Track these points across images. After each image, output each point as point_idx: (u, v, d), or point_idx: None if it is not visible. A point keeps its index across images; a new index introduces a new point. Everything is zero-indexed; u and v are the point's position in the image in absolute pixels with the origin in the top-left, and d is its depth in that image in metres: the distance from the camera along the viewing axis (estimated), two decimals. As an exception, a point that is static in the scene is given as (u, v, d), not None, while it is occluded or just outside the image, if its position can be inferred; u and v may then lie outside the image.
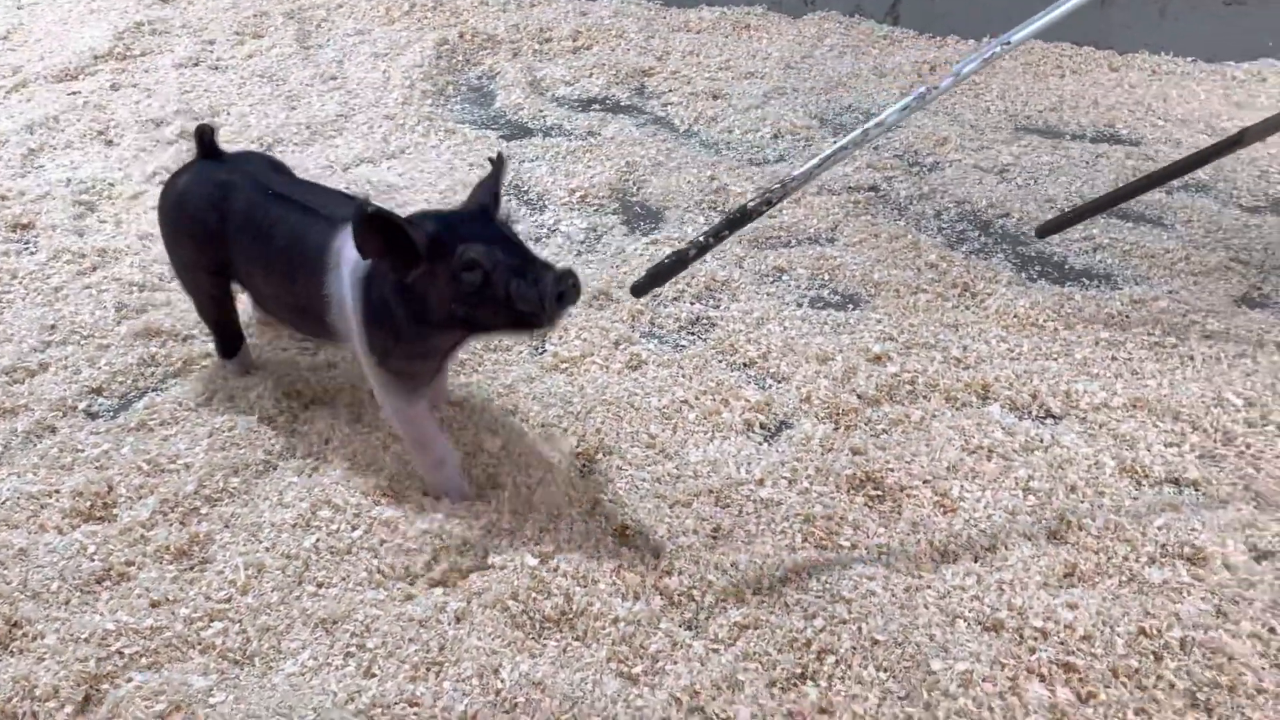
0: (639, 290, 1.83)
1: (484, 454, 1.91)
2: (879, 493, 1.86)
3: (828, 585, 1.64)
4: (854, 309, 2.41)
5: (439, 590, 1.63)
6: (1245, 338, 2.23)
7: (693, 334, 2.32)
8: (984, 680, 1.46)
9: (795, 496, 1.84)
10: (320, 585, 1.64)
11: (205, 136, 1.95)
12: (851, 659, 1.51)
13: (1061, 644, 1.53)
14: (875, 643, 1.53)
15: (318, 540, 1.70)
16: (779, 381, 2.16)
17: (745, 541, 1.74)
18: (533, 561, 1.65)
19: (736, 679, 1.48)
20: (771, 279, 2.53)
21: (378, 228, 1.52)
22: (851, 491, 1.86)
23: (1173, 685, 1.47)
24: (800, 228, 2.73)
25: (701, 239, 1.79)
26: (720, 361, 2.22)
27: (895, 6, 4.08)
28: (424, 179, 2.95)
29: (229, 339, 2.09)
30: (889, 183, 2.98)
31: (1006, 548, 1.72)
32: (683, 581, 1.64)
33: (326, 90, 3.58)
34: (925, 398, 2.10)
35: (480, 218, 1.63)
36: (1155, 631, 1.54)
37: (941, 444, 1.96)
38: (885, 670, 1.49)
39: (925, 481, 1.87)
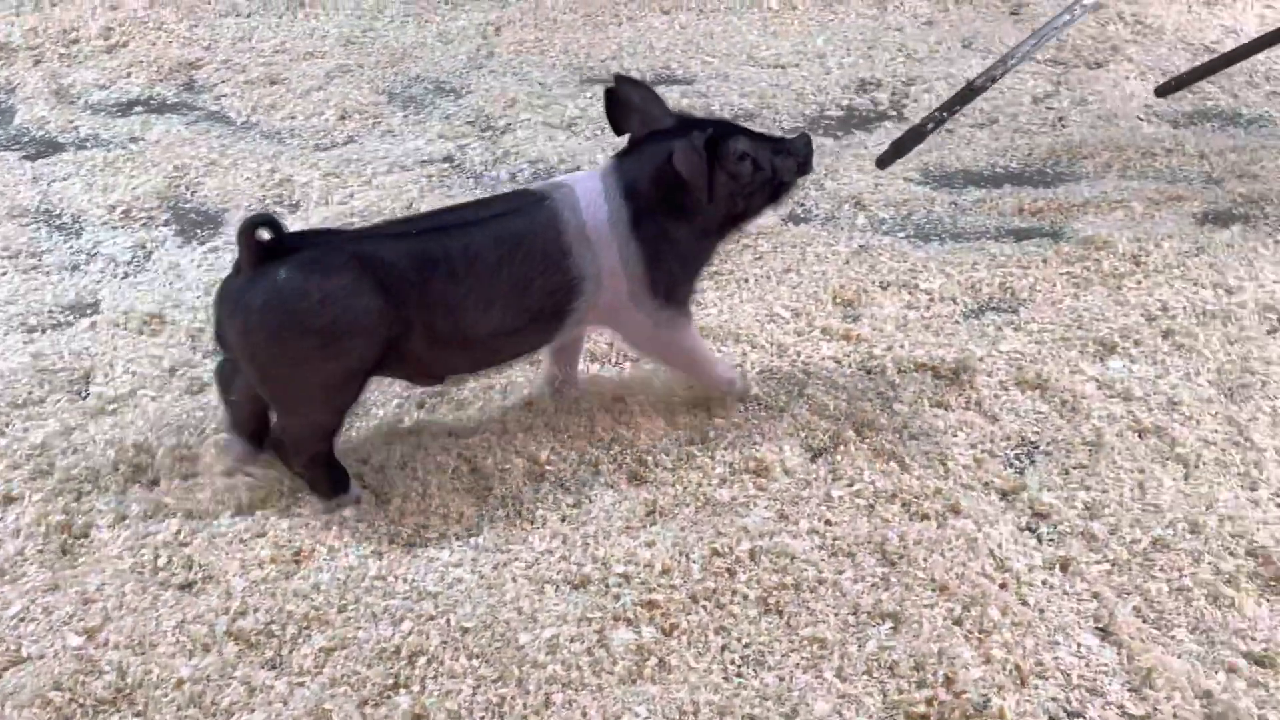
0: (884, 162, 2.23)
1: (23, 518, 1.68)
2: (473, 472, 1.82)
3: (414, 583, 1.58)
4: (433, 287, 2.35)
5: (-39, 704, 1.40)
6: (790, 254, 2.41)
7: (262, 344, 2.16)
8: (571, 640, 1.47)
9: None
10: None
11: (274, 226, 1.60)
12: (442, 655, 1.46)
13: (643, 584, 1.57)
14: (465, 631, 1.49)
15: None
16: (359, 378, 2.06)
17: (328, 558, 1.64)
18: (76, 641, 1.46)
19: (323, 709, 1.39)
20: (346, 270, 2.40)
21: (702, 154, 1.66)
22: (440, 474, 1.80)
23: (746, 596, 1.56)
24: (374, 210, 2.62)
25: (936, 114, 2.18)
26: (294, 368, 2.09)
27: (454, -31, 4.02)
28: (-79, 220, 2.53)
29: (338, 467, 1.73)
30: (463, 151, 2.94)
31: (590, 500, 1.75)
32: (259, 619, 1.52)
33: None
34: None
35: (700, 120, 1.81)
36: (727, 549, 1.62)
37: (529, 409, 1.95)
38: (476, 657, 1.46)
39: (517, 453, 1.85)
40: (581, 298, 1.70)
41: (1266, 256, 2.37)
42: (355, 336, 1.59)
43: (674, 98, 3.20)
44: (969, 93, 2.14)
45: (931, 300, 2.26)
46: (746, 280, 2.32)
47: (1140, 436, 1.86)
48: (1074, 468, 1.80)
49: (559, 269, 1.66)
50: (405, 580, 1.59)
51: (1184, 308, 2.18)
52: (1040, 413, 1.93)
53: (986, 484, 1.78)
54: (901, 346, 2.09)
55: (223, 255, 2.41)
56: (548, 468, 1.82)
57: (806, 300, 2.23)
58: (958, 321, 2.20)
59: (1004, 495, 1.76)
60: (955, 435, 1.87)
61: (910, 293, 2.28)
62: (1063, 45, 3.46)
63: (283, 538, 1.66)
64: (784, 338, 2.13)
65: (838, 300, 2.25)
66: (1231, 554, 1.61)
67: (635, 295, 1.72)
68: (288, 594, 1.56)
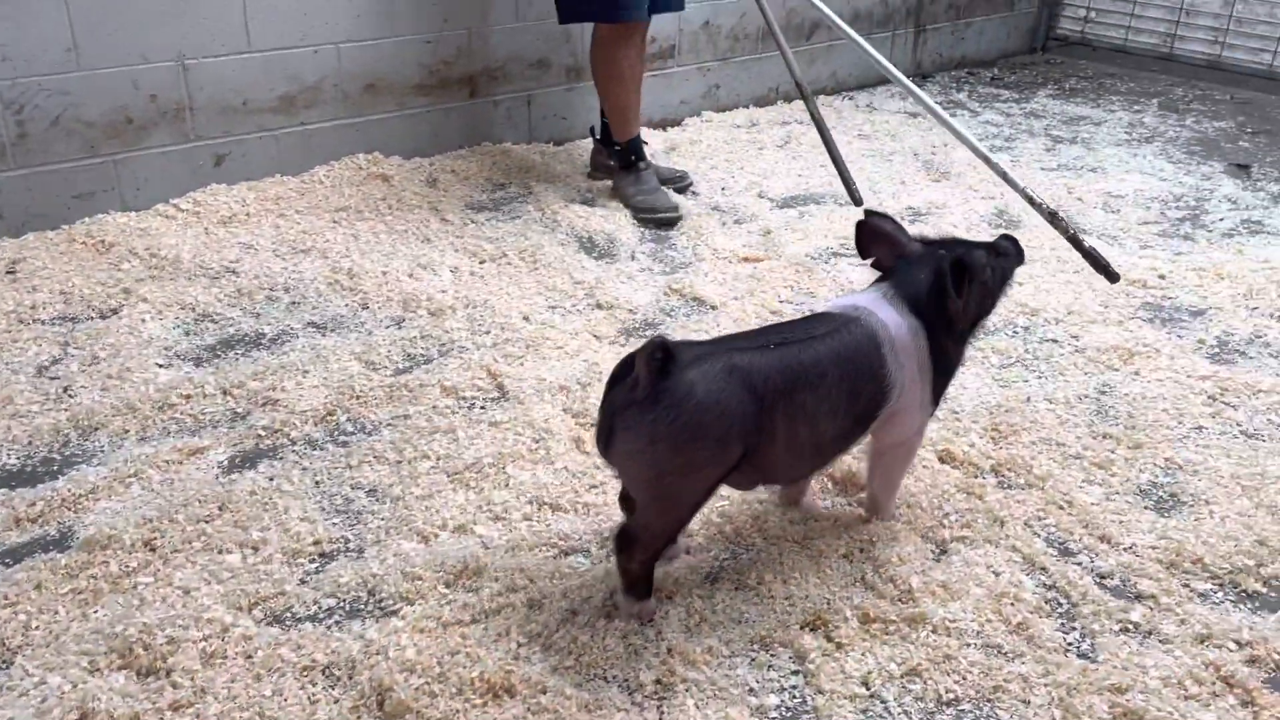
0: (1117, 275, 2.96)
1: None
2: None
3: None
4: None
5: None
6: None
7: None
8: None
9: None
10: None
11: (667, 346, 1.69)
12: None
13: None
14: None
15: None
16: None
17: None
18: None
19: None
20: None
21: (962, 271, 1.90)
22: None
23: None
24: None
25: (1087, 253, 2.98)
26: None
27: None
28: None
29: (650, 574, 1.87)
30: None
31: None
32: None
33: None
34: None
35: (941, 240, 2.05)
36: None
37: None
38: None
39: None
40: (889, 403, 1.90)
41: (290, 493, 2.30)
42: (736, 444, 1.74)
43: None
44: (1057, 220, 2.96)
45: (-116, 700, 1.72)
46: None
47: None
48: None
49: (878, 378, 1.87)
50: None
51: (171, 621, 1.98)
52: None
53: None
54: None
55: None
56: None
57: None
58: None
59: None
60: None
61: None
62: (70, 298, 3.15)
63: None
64: None
65: None
66: None
67: (923, 400, 1.96)
68: None
